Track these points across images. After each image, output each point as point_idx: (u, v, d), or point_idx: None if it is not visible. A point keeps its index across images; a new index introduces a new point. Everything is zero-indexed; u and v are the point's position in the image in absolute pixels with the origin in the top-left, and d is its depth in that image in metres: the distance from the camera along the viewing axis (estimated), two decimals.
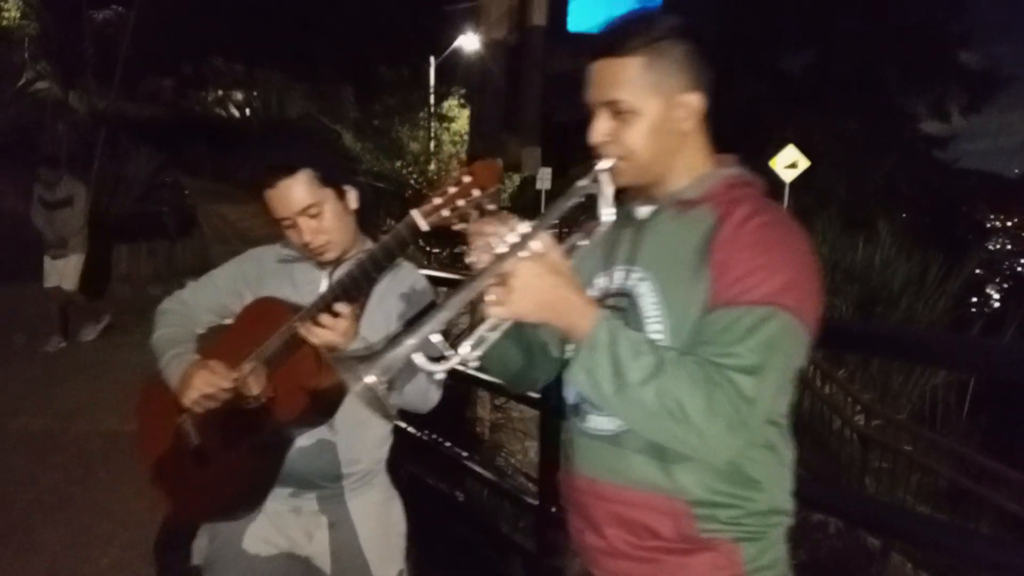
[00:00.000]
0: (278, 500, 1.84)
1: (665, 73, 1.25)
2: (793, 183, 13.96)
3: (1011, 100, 21.44)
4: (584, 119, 1.31)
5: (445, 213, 1.54)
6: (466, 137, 22.22)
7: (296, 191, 1.72)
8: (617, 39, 1.25)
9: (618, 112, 1.26)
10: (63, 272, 7.10)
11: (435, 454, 3.18)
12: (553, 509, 2.39)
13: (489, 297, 1.12)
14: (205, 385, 1.73)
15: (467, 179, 1.51)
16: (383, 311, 1.83)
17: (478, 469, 2.89)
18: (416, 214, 1.57)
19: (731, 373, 1.11)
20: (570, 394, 1.41)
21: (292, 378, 1.69)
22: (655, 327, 1.24)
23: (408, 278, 1.89)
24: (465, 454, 3.01)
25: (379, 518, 1.96)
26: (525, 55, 4.35)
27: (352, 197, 1.84)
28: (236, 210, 14.96)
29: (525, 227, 1.15)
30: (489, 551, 2.87)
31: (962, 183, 21.30)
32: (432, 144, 21.92)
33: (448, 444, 3.01)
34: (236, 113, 25.49)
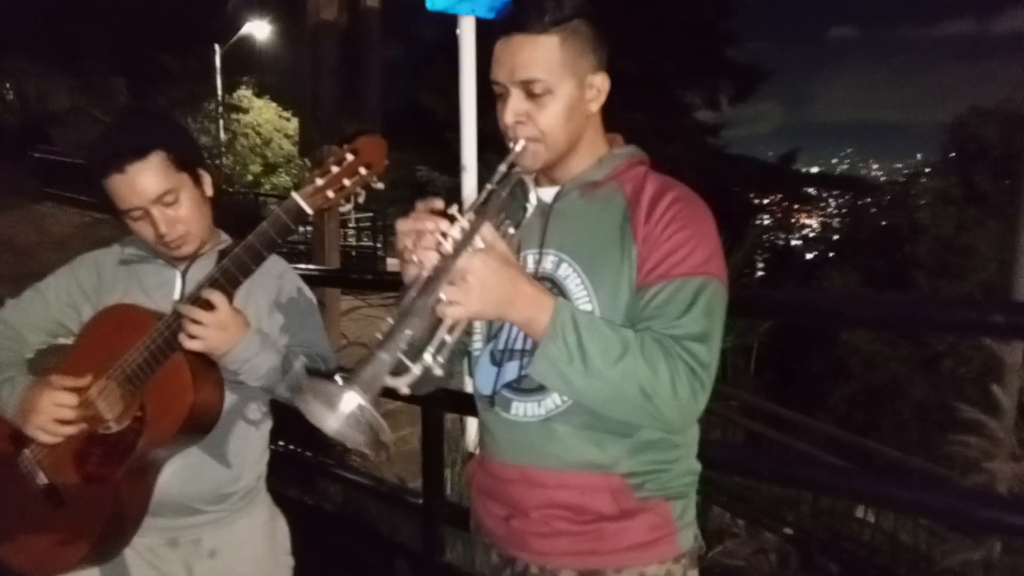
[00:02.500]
0: (150, 533, 1.61)
1: (578, 52, 1.23)
2: None
3: (766, 91, 24.21)
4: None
5: (330, 195, 1.44)
6: (260, 130, 21.19)
7: (148, 176, 1.50)
8: (531, 16, 1.21)
9: (531, 93, 1.23)
10: None
11: (291, 464, 2.98)
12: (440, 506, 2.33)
13: (445, 298, 1.05)
14: (55, 408, 1.47)
15: (351, 157, 1.42)
16: (252, 307, 1.65)
17: (350, 475, 2.74)
18: (297, 197, 1.44)
19: (686, 343, 1.15)
20: (484, 385, 1.36)
21: (163, 393, 1.48)
22: (584, 308, 1.24)
23: (274, 268, 1.72)
24: (331, 461, 2.85)
25: (265, 539, 1.79)
26: (360, 39, 4.15)
27: (208, 183, 1.64)
28: None
29: (465, 220, 1.10)
30: (372, 557, 2.75)
31: (733, 168, 23.57)
32: (224, 137, 20.68)
33: (308, 454, 2.83)
34: None
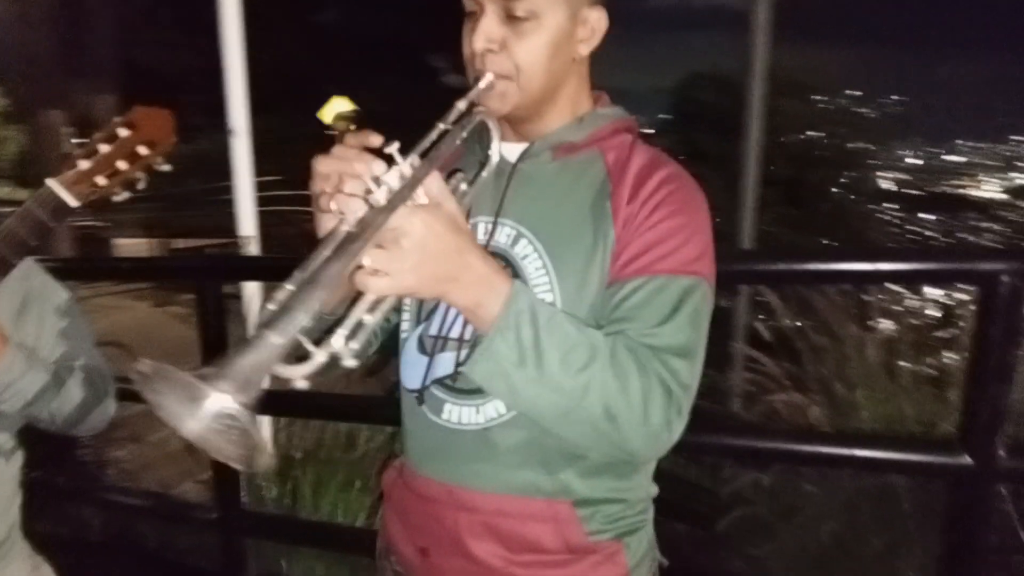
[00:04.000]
0: None
1: None
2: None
3: None
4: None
5: (101, 181, 1.18)
6: None
7: None
8: None
9: (512, 15, 0.98)
10: None
11: (45, 495, 2.51)
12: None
13: (369, 266, 0.81)
14: None
15: (126, 132, 1.17)
16: None
17: (120, 497, 2.36)
18: (55, 185, 1.16)
19: (666, 356, 0.94)
20: (410, 377, 1.12)
21: None
22: (543, 298, 1.02)
23: (18, 267, 1.40)
24: (86, 484, 2.44)
25: None
26: None
27: None
28: None
29: (406, 165, 0.85)
30: None
31: None
32: None
33: (61, 479, 2.40)
34: None
